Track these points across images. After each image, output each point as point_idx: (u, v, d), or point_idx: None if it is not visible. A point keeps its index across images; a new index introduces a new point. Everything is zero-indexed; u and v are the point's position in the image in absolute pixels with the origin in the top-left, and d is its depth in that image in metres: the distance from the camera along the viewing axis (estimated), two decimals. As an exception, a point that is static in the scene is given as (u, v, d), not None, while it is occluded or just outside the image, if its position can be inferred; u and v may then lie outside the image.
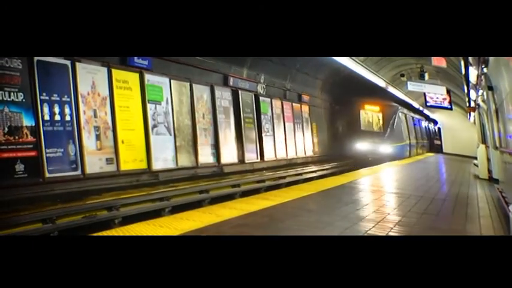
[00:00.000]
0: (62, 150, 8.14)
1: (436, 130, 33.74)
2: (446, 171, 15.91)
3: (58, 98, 8.17)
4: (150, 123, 10.25)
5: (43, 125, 7.77)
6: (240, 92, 14.07)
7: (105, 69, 9.24)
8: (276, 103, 16.48)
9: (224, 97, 13.40)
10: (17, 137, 7.34)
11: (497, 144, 8.73)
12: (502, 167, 8.98)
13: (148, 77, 10.35)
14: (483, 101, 10.07)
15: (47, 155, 7.79)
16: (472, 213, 6.21)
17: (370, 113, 20.36)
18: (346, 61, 13.95)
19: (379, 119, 20.22)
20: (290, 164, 16.61)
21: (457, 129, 29.41)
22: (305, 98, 18.52)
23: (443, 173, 15.04)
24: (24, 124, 7.48)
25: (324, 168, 16.31)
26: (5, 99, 7.21)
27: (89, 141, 8.68)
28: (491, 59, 5.92)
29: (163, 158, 10.56)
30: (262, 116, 15.29)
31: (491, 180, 11.24)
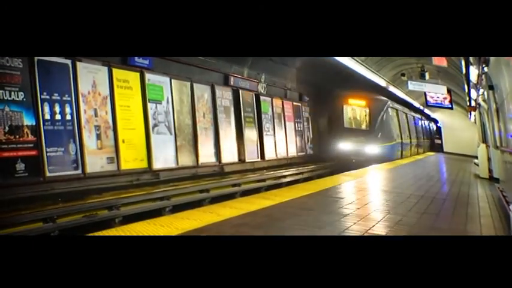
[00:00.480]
0: (63, 149, 8.15)
1: (436, 129, 33.65)
2: (447, 170, 15.90)
3: (59, 97, 8.18)
4: (151, 122, 10.26)
5: (44, 124, 7.78)
6: (240, 91, 14.07)
7: (105, 69, 9.24)
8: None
9: (225, 96, 13.40)
10: (17, 136, 7.34)
11: (498, 144, 8.72)
12: (502, 166, 8.98)
13: (149, 76, 10.35)
14: (484, 100, 10.07)
15: (48, 154, 7.80)
16: (473, 213, 6.20)
17: (355, 108, 17.48)
18: (347, 61, 13.94)
19: (365, 115, 17.35)
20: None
21: (458, 129, 29.42)
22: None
23: (443, 172, 15.03)
24: (25, 123, 7.48)
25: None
26: (5, 98, 7.22)
27: (89, 141, 8.69)
28: (492, 58, 5.92)
29: (164, 157, 10.57)
30: (263, 116, 15.26)
31: (492, 179, 11.23)
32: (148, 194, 8.22)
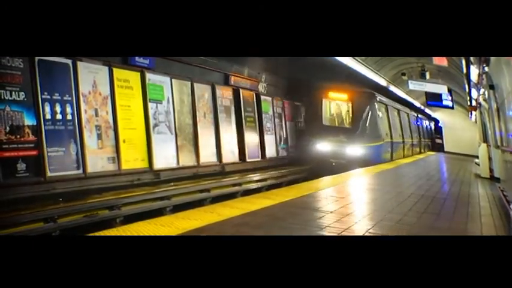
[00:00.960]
0: (64, 149, 8.16)
1: (434, 128, 33.55)
2: (448, 170, 15.90)
3: (59, 97, 8.19)
4: (152, 122, 10.26)
5: (44, 124, 7.79)
6: (241, 90, 14.06)
7: (106, 69, 9.25)
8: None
9: (225, 96, 13.40)
10: (18, 136, 7.35)
11: (499, 143, 8.72)
12: (503, 165, 8.98)
13: (149, 76, 10.36)
14: (484, 99, 10.07)
15: (49, 154, 7.81)
16: (474, 212, 6.21)
17: (336, 103, 15.13)
18: (347, 60, 13.92)
19: (347, 111, 14.96)
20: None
21: (459, 128, 29.39)
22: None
23: (444, 172, 15.03)
24: (26, 123, 7.49)
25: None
26: (6, 98, 7.23)
27: (90, 140, 8.70)
28: (492, 58, 5.92)
29: (165, 157, 10.58)
30: (263, 115, 15.19)
31: (493, 179, 11.23)
32: (149, 194, 8.24)
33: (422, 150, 25.34)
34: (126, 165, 9.39)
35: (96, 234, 3.88)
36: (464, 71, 8.97)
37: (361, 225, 4.74)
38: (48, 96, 7.97)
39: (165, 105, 10.83)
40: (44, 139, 7.73)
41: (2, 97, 7.16)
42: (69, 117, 8.34)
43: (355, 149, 14.04)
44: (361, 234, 4.29)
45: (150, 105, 10.27)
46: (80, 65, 8.63)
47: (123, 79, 9.65)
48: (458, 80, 17.06)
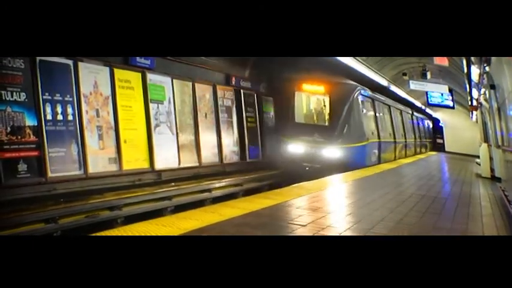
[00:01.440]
0: (65, 149, 8.17)
1: (433, 128, 33.46)
2: (449, 170, 15.88)
3: (60, 98, 8.20)
4: (153, 122, 10.27)
5: (45, 125, 7.80)
6: (242, 91, 14.07)
7: (107, 69, 9.26)
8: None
9: (226, 96, 13.40)
10: (19, 137, 7.36)
11: (500, 143, 8.72)
12: (504, 165, 8.98)
13: (150, 76, 10.37)
14: (485, 99, 10.06)
15: (50, 154, 7.82)
16: (474, 212, 6.20)
17: (311, 96, 13.01)
18: (348, 60, 13.90)
19: (324, 106, 12.72)
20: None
21: (460, 128, 29.36)
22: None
23: (445, 171, 15.02)
24: (27, 124, 7.50)
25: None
26: (7, 99, 7.24)
27: (91, 141, 8.71)
28: (493, 57, 5.91)
29: (166, 157, 10.58)
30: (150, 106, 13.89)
31: (494, 178, 11.22)
32: (151, 194, 8.24)
33: (422, 151, 24.93)
34: (127, 166, 9.40)
35: (98, 234, 3.88)
36: (465, 70, 8.96)
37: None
38: (49, 97, 7.97)
39: (166, 105, 10.84)
40: (45, 140, 7.74)
41: (3, 98, 7.18)
42: (70, 117, 8.35)
43: (333, 151, 11.84)
44: (361, 235, 4.28)
45: (151, 105, 10.28)
46: (81, 65, 8.64)
47: (124, 79, 9.66)
48: (459, 80, 17.05)
